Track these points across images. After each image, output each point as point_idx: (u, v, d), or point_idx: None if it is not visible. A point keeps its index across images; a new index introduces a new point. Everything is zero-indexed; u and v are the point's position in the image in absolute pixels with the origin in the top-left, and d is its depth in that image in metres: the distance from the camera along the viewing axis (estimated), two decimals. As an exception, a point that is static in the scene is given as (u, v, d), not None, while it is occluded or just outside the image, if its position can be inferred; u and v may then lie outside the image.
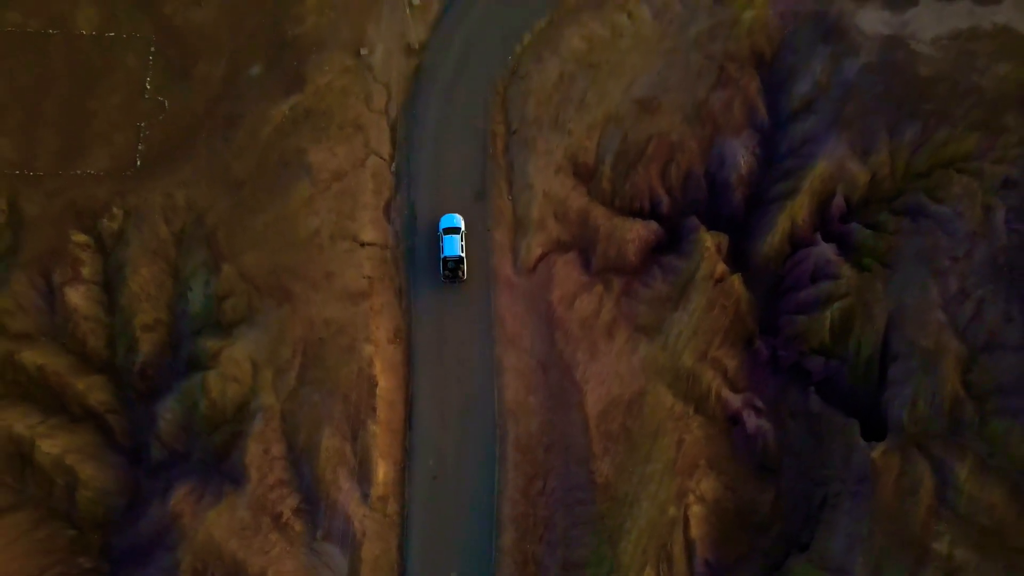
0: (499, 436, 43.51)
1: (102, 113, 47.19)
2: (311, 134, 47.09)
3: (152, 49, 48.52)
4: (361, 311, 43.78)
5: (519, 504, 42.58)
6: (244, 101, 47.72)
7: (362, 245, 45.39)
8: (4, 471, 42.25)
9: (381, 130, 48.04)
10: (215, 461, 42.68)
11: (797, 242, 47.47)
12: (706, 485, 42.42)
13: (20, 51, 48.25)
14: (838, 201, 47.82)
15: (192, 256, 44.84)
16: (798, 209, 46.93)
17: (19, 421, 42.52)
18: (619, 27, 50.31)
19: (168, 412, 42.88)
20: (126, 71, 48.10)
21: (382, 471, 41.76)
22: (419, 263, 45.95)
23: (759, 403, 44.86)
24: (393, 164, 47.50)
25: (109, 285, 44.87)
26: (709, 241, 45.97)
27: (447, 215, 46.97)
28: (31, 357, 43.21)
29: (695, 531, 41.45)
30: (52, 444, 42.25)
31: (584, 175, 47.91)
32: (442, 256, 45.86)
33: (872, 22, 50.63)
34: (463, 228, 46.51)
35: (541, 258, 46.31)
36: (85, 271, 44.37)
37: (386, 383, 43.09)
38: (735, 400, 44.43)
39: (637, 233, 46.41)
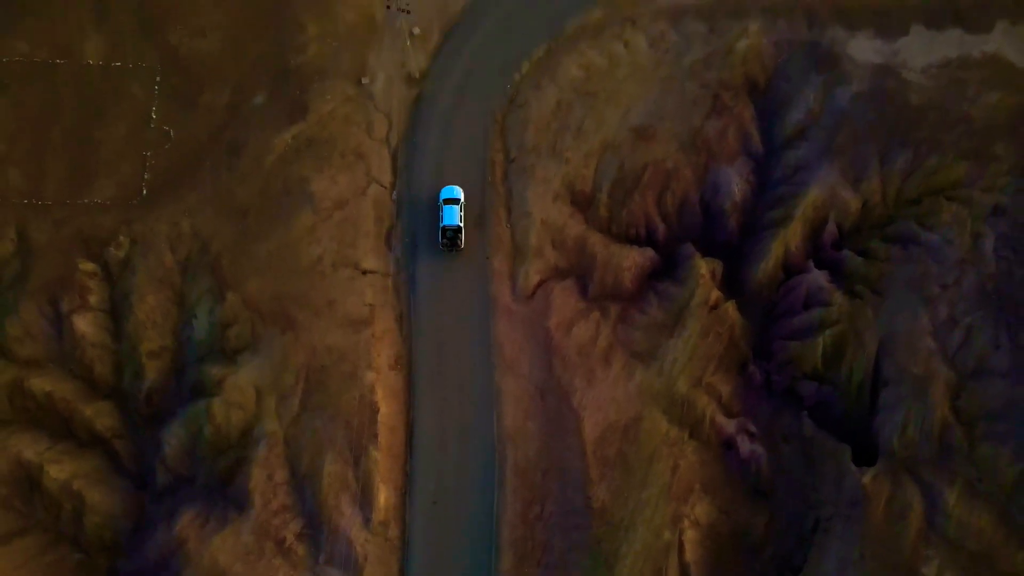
0: (498, 461, 44.38)
1: (109, 142, 48.18)
2: (313, 163, 48.09)
3: (158, 79, 49.52)
4: (363, 338, 44.69)
5: (518, 528, 43.47)
6: (248, 130, 48.66)
7: (364, 273, 46.29)
8: (13, 496, 43.22)
9: (382, 158, 49.03)
10: (220, 486, 43.59)
11: (790, 268, 48.42)
12: (700, 509, 43.27)
13: (28, 81, 49.25)
14: (830, 228, 48.74)
15: (197, 284, 45.78)
16: (791, 236, 47.86)
17: (28, 447, 43.47)
18: (616, 56, 51.27)
19: (173, 438, 43.80)
20: (132, 101, 49.08)
21: (383, 496, 42.65)
22: (420, 290, 46.87)
23: (753, 428, 45.73)
24: (394, 192, 48.42)
25: (116, 312, 45.82)
26: (704, 268, 46.89)
27: (447, 187, 48.25)
28: (39, 384, 44.18)
29: (690, 555, 42.26)
30: (60, 469, 43.19)
31: (581, 202, 48.85)
32: (441, 225, 47.08)
33: (863, 51, 51.64)
34: (462, 199, 47.94)
35: (539, 285, 47.23)
36: (92, 299, 45.33)
37: (387, 409, 44.01)
38: (729, 425, 45.32)
39: (633, 260, 47.33)
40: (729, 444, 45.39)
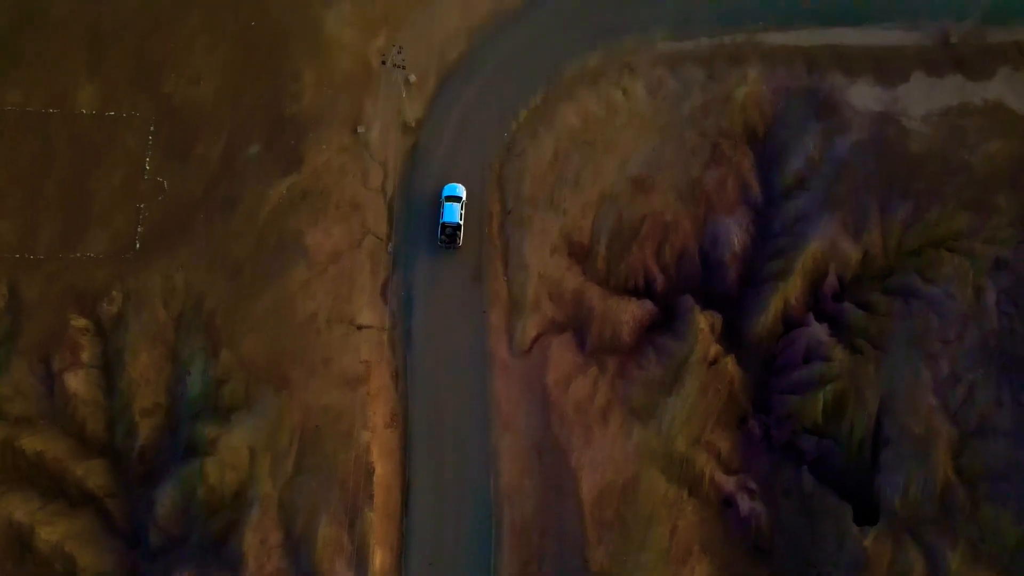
0: (495, 520, 43.89)
1: (102, 194, 47.69)
2: (308, 215, 47.59)
3: (151, 129, 48.99)
4: (358, 396, 44.17)
5: (515, 590, 43.09)
6: (242, 181, 48.19)
7: (359, 328, 45.80)
8: (4, 558, 42.69)
9: (378, 209, 48.53)
10: (213, 547, 42.98)
11: (790, 321, 47.91)
12: (700, 571, 42.75)
13: (20, 131, 48.76)
14: (831, 280, 48.26)
15: (191, 340, 45.30)
16: (791, 289, 47.32)
17: (19, 507, 42.96)
18: (614, 103, 50.77)
19: (166, 498, 43.21)
20: (126, 151, 48.59)
21: (379, 558, 42.11)
22: (416, 345, 46.33)
23: (752, 484, 45.22)
24: (390, 244, 47.87)
25: (108, 368, 45.35)
26: (703, 323, 46.39)
27: (450, 184, 48.47)
28: (31, 443, 43.66)
29: (689, 619, 41.98)
30: (51, 531, 42.63)
31: (579, 255, 48.33)
32: (441, 221, 47.27)
33: (863, 98, 51.17)
34: (464, 197, 48.12)
35: (536, 339, 46.69)
36: (84, 355, 44.84)
37: (383, 469, 43.50)
38: (728, 483, 44.80)
39: (632, 314, 46.83)
40: (729, 502, 44.89)
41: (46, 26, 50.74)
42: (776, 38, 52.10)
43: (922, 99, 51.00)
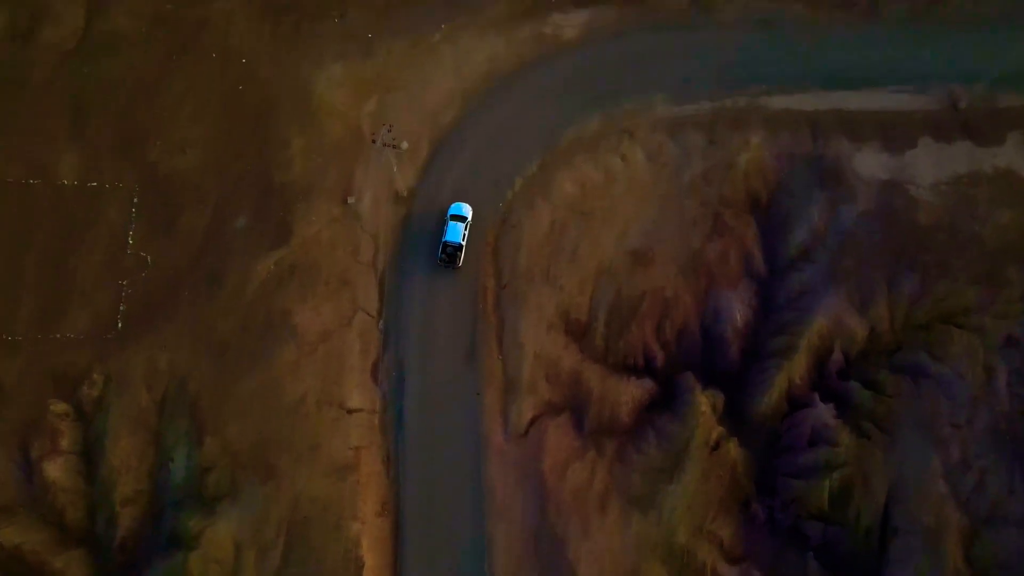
0: (489, 614, 42.68)
1: (83, 270, 46.06)
2: (297, 292, 45.96)
3: (135, 200, 47.39)
4: (347, 485, 42.50)
5: None
6: (229, 256, 46.60)
7: (349, 412, 44.29)
8: (-21, 656, 41.43)
9: (368, 284, 46.94)
10: (197, 644, 41.68)
11: (795, 400, 46.28)
12: (702, 669, 41.47)
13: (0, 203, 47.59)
14: (836, 357, 46.73)
15: (174, 425, 43.68)
16: (795, 368, 45.76)
17: (-4, 604, 41.67)
18: (613, 171, 49.27)
19: (149, 594, 41.91)
20: (109, 224, 46.93)
21: (368, 658, 40.79)
22: (408, 428, 44.64)
23: (756, 574, 43.86)
24: (381, 321, 46.34)
25: (89, 454, 43.64)
26: (704, 404, 44.88)
27: (457, 203, 47.63)
28: (8, 535, 41.92)
29: None
30: (29, 628, 41.34)
31: (576, 332, 46.77)
32: (443, 240, 46.40)
33: (869, 165, 49.68)
34: (469, 217, 47.33)
35: (532, 421, 45.03)
36: (64, 442, 43.20)
37: (373, 561, 41.87)
38: (731, 573, 43.32)
39: (631, 395, 45.24)
40: (732, 593, 43.72)
41: (26, 91, 49.10)
42: (779, 101, 50.63)
43: (930, 166, 49.60)
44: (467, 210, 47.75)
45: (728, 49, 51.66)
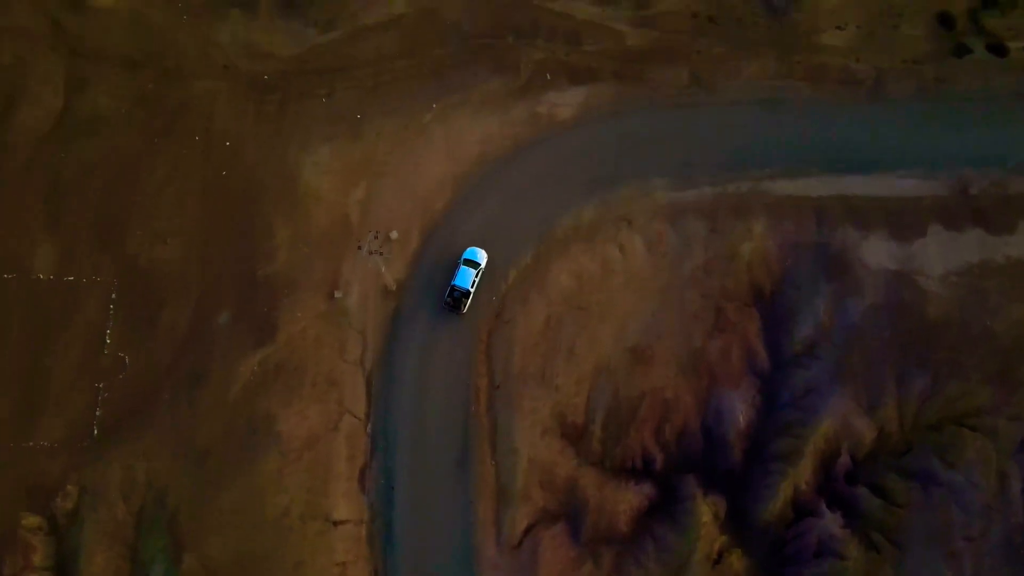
0: None
1: (59, 372, 43.92)
2: (282, 394, 44.03)
3: (113, 296, 45.35)
4: (333, 606, 40.97)
5: None
6: (211, 354, 44.58)
7: (335, 524, 42.29)
8: None
9: (356, 385, 44.99)
10: None
11: (800, 506, 44.43)
12: None
13: (-28, 299, 45.79)
14: (843, 460, 44.81)
15: (152, 540, 41.59)
16: (801, 474, 43.89)
17: None
18: (610, 262, 47.36)
19: None
20: (86, 322, 44.82)
21: None
22: (396, 540, 42.59)
23: None
24: (369, 425, 44.36)
25: (63, 570, 41.36)
26: (706, 514, 42.98)
27: (472, 248, 46.40)
28: (-23, 661, 40.45)
29: None
30: None
31: (573, 435, 44.85)
32: (452, 283, 45.52)
33: (877, 255, 47.79)
34: (483, 265, 46.05)
35: (527, 531, 43.02)
36: (36, 558, 41.05)
37: None
38: None
39: (629, 504, 43.29)
40: None
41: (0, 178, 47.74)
42: (783, 187, 48.74)
43: (940, 256, 47.77)
44: (482, 256, 46.20)
45: (730, 130, 49.76)
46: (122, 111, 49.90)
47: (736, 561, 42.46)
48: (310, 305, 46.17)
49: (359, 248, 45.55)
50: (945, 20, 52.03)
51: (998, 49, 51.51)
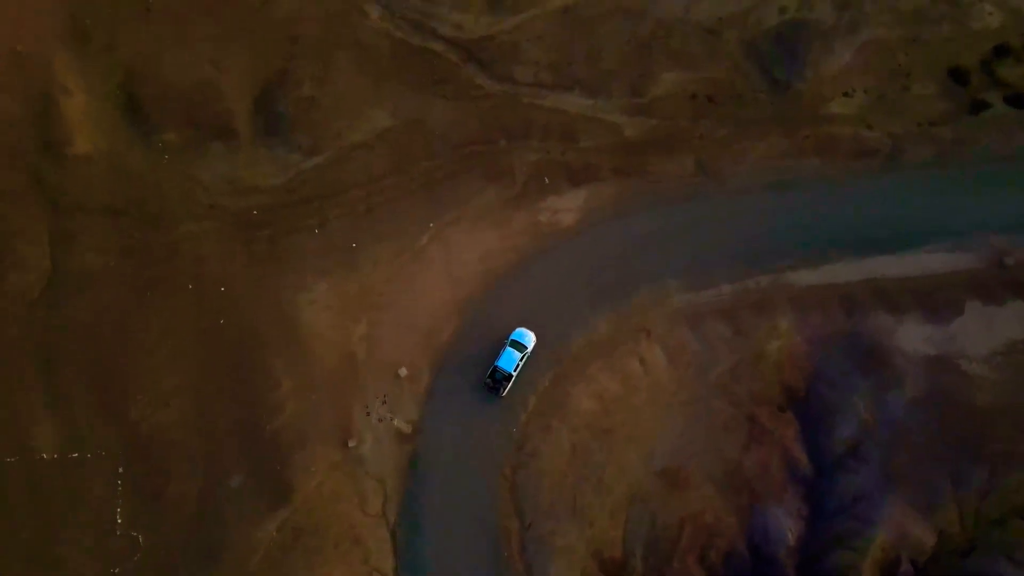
0: None
1: (72, 562, 41.90)
2: (303, 560, 41.81)
3: (120, 470, 43.45)
4: None
5: None
6: (225, 525, 42.41)
7: None
8: None
9: (380, 539, 42.65)
10: None
11: (863, 624, 42.32)
12: None
13: (-26, 488, 44.16)
14: (905, 568, 42.31)
15: None
16: (860, 591, 41.77)
17: None
18: (632, 377, 44.94)
19: None
20: (94, 502, 42.63)
21: None
22: None
23: None
24: (397, 582, 42.69)
25: None
26: (763, 651, 40.79)
27: (520, 329, 44.87)
28: None
29: None
30: None
31: (612, 571, 42.45)
32: (495, 364, 43.95)
33: (913, 340, 45.13)
34: (530, 348, 44.51)
35: None
36: None
37: None
38: None
39: (679, 645, 41.36)
40: None
41: (-6, 357, 46.23)
42: (806, 277, 46.26)
43: (981, 335, 45.02)
44: (530, 339, 44.42)
45: (742, 219, 47.36)
46: (110, 265, 47.60)
47: None
48: (323, 457, 44.03)
49: (367, 413, 43.43)
50: (958, 75, 49.32)
51: (1017, 100, 48.76)
